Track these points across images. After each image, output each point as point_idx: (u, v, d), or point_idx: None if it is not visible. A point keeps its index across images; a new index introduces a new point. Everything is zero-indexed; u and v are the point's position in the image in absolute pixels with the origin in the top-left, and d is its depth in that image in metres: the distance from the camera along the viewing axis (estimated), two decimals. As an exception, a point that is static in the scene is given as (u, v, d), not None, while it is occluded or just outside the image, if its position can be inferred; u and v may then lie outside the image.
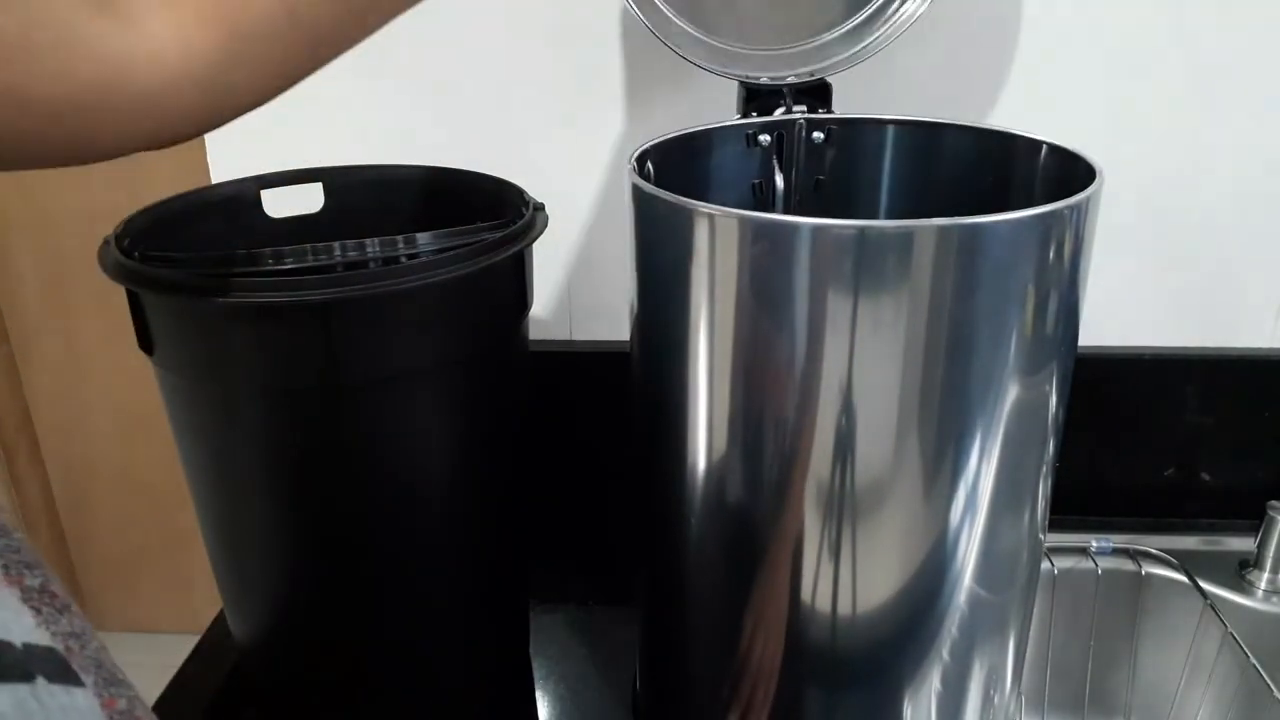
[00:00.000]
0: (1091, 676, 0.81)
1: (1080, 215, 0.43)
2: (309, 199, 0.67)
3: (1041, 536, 0.52)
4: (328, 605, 0.59)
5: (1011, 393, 0.44)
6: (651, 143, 0.54)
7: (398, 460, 0.55)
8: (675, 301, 0.46)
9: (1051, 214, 0.41)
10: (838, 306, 0.41)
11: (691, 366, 0.47)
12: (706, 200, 0.43)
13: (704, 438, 0.48)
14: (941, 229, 0.39)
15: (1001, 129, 0.55)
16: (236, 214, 0.65)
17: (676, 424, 0.49)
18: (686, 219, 0.44)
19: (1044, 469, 0.48)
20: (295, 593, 0.60)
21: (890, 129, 0.60)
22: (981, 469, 0.45)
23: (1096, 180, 0.45)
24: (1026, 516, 0.49)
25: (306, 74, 0.42)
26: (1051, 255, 0.42)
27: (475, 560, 0.63)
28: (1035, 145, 0.53)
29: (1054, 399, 0.46)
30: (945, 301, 0.41)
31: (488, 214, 0.59)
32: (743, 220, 0.42)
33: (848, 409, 0.43)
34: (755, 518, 0.48)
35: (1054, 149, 0.52)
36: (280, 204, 0.66)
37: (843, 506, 0.45)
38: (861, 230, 0.40)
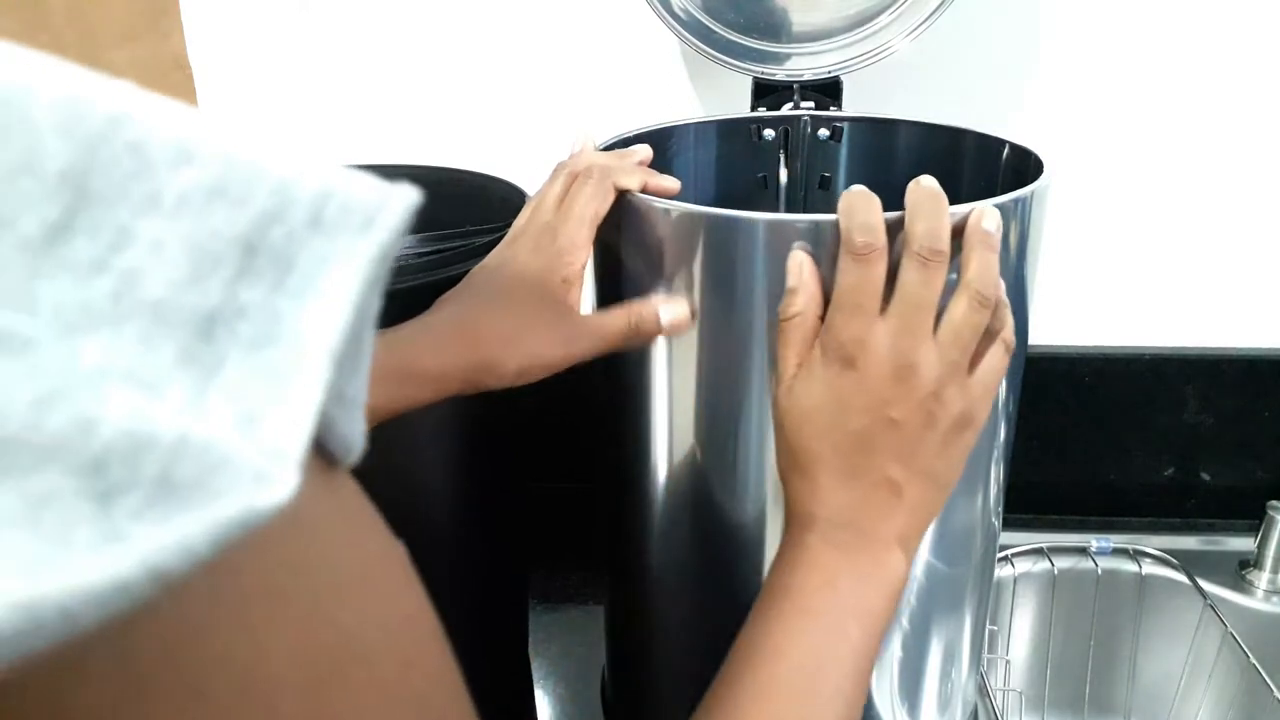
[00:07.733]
0: (1091, 676, 0.81)
1: (1026, 208, 0.43)
2: (308, 199, 0.67)
3: (996, 520, 0.53)
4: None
5: None
6: (617, 137, 0.54)
7: (396, 461, 0.55)
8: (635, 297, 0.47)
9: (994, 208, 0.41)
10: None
11: (652, 364, 0.48)
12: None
13: (664, 435, 0.49)
14: (887, 222, 0.40)
15: (996, 134, 0.55)
16: (236, 214, 0.65)
17: (639, 423, 0.49)
18: (645, 215, 0.45)
19: (995, 454, 0.50)
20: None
21: (895, 128, 0.60)
22: None
23: (1044, 175, 0.45)
24: (980, 499, 0.50)
25: None
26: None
27: (475, 560, 0.63)
28: (1016, 148, 0.54)
29: (1003, 387, 0.47)
30: None
31: (486, 214, 0.59)
32: (695, 215, 0.43)
33: None
34: (718, 508, 0.49)
35: (1014, 148, 0.53)
36: (280, 204, 0.66)
37: None
38: (816, 224, 0.40)
